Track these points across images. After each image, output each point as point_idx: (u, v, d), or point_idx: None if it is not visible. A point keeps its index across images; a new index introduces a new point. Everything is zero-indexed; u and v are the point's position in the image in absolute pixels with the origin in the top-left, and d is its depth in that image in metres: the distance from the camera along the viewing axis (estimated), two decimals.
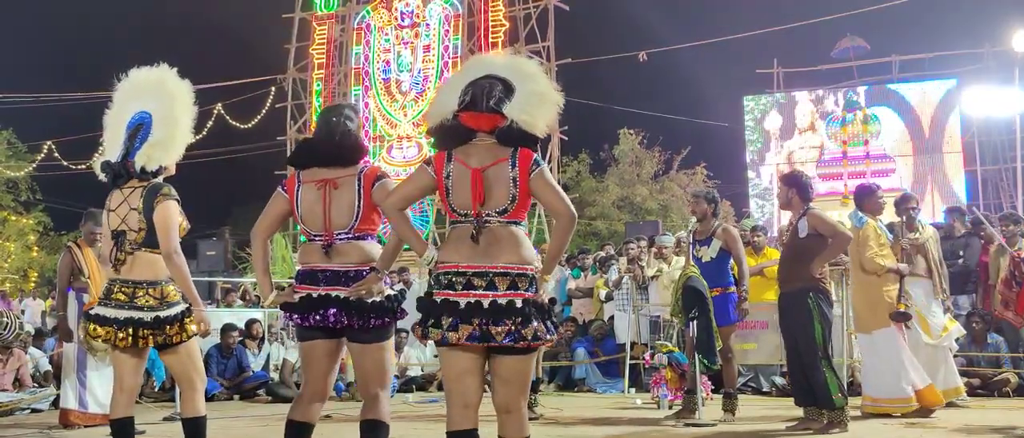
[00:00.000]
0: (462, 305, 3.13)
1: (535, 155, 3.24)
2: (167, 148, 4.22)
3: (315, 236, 3.66)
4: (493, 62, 3.45)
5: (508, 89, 3.27)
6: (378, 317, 3.57)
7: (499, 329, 3.08)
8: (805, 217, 6.06)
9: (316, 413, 3.72)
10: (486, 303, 3.11)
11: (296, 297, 3.64)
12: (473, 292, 3.13)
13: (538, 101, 3.29)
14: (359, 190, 3.61)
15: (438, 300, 3.19)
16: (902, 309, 6.54)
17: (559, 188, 3.27)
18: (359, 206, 3.61)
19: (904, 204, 7.39)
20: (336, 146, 3.70)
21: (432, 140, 3.41)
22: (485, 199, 3.17)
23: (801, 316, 5.97)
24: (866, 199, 6.78)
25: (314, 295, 3.58)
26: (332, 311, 3.53)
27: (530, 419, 3.38)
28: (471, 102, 3.25)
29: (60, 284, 6.81)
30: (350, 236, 3.63)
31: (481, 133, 3.25)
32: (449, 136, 3.29)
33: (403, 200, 3.42)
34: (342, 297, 3.54)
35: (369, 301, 3.56)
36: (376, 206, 3.63)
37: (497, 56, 3.60)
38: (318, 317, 3.55)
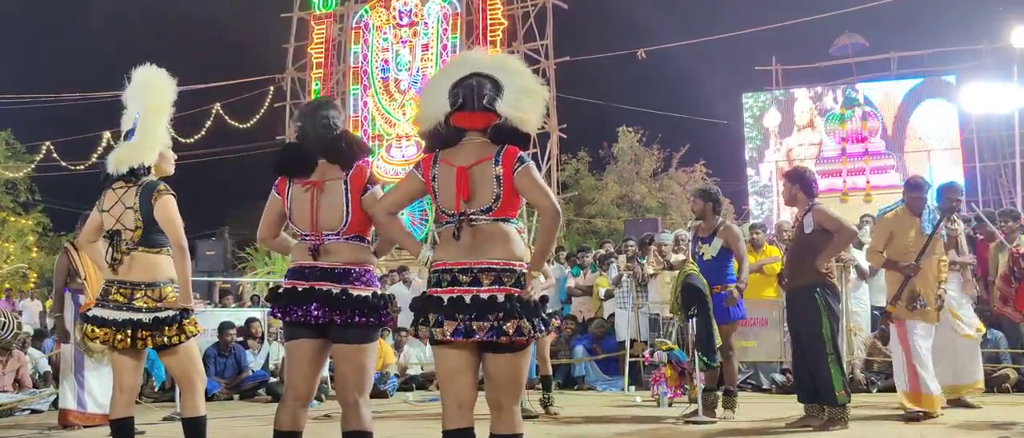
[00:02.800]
0: (445, 301, 3.14)
1: (520, 152, 3.24)
2: (139, 150, 4.19)
3: (304, 236, 3.63)
4: (477, 60, 3.41)
5: (497, 86, 3.27)
6: (362, 314, 3.50)
7: (482, 324, 3.07)
8: (810, 213, 6.05)
9: (303, 420, 3.64)
10: (467, 298, 3.11)
11: (281, 290, 3.62)
12: (457, 288, 3.14)
13: (528, 97, 3.29)
14: (346, 193, 3.56)
15: (426, 297, 3.22)
16: (889, 310, 6.40)
17: (544, 184, 3.25)
18: (347, 210, 3.56)
19: (946, 194, 6.77)
20: (332, 145, 3.62)
21: (424, 143, 3.40)
22: (470, 197, 3.17)
23: (808, 312, 5.96)
24: (907, 192, 6.62)
25: (299, 289, 3.53)
26: (314, 305, 3.48)
27: (531, 417, 3.38)
28: (463, 103, 3.25)
29: (57, 285, 6.80)
30: (340, 238, 3.58)
31: (472, 132, 3.25)
32: (439, 139, 3.29)
33: (393, 205, 3.45)
34: (325, 291, 3.49)
35: (355, 295, 3.51)
36: (367, 212, 3.58)
37: (479, 54, 3.53)
38: (300, 312, 3.50)
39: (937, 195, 6.87)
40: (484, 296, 3.10)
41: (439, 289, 3.18)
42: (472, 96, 3.24)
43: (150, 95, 4.24)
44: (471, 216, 3.18)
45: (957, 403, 6.86)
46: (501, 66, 3.35)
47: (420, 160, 3.37)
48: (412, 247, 3.40)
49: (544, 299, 3.27)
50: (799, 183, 6.18)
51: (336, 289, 3.51)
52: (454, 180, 3.19)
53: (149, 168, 4.23)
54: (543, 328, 3.17)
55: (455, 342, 3.14)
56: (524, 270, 3.20)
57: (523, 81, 3.32)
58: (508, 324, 3.07)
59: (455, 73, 3.35)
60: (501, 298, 3.10)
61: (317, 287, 3.51)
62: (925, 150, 20.53)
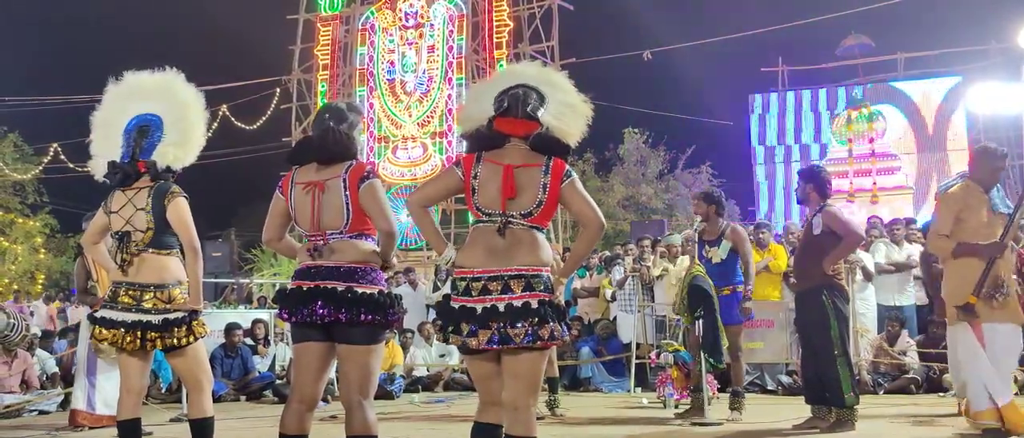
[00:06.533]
0: (479, 311, 3.19)
1: (568, 166, 3.32)
2: (187, 150, 4.28)
3: (309, 236, 3.66)
4: (524, 72, 3.53)
5: (541, 98, 3.38)
6: (368, 312, 3.50)
7: (516, 331, 3.14)
8: (820, 214, 6.03)
9: (309, 423, 3.65)
10: (502, 307, 3.17)
11: (288, 291, 3.64)
12: (489, 297, 3.20)
13: (570, 111, 3.42)
14: (345, 192, 3.58)
15: (456, 307, 3.26)
16: (971, 302, 5.11)
17: (590, 198, 3.34)
18: (348, 207, 3.57)
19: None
20: (319, 143, 3.67)
21: (466, 144, 3.49)
22: (515, 195, 3.24)
23: (815, 314, 5.94)
24: (977, 161, 5.44)
25: (304, 289, 3.55)
26: (319, 303, 3.49)
27: (538, 418, 3.40)
28: (507, 109, 3.35)
29: (79, 285, 6.83)
30: (344, 236, 3.60)
31: (515, 138, 3.33)
32: (483, 140, 3.37)
33: (427, 199, 3.53)
34: (330, 289, 3.50)
35: (361, 293, 3.52)
36: (365, 212, 3.59)
37: (528, 66, 3.64)
38: (306, 312, 3.51)
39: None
40: (518, 303, 3.17)
41: (470, 298, 3.23)
42: (517, 103, 3.35)
43: (185, 101, 4.30)
44: (510, 218, 3.23)
45: None
46: (546, 79, 3.47)
47: (462, 157, 3.44)
48: (439, 245, 3.45)
49: (568, 303, 3.34)
50: (813, 182, 6.15)
51: (341, 287, 3.51)
52: (500, 178, 3.26)
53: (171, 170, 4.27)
54: (567, 332, 3.27)
55: (487, 350, 3.20)
56: (551, 275, 3.28)
57: (566, 96, 3.44)
58: (543, 329, 3.15)
59: (502, 82, 3.47)
60: (535, 304, 3.17)
61: (322, 286, 3.52)
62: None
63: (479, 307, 3.19)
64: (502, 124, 3.34)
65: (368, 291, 3.54)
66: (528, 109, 3.34)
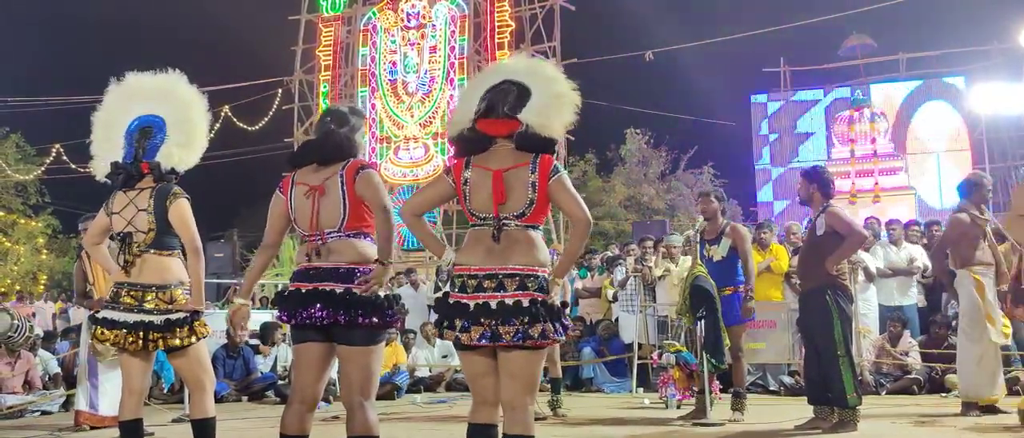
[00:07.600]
0: (471, 307, 3.20)
1: (555, 162, 3.31)
2: (191, 152, 4.29)
3: (308, 236, 3.66)
4: (511, 67, 3.51)
5: (524, 93, 3.34)
6: (366, 315, 3.49)
7: (508, 329, 3.14)
8: (823, 214, 6.03)
9: (310, 423, 3.65)
10: (494, 304, 3.17)
11: (286, 293, 3.64)
12: (482, 294, 3.20)
13: (555, 102, 3.36)
14: (342, 187, 3.59)
15: (451, 302, 3.27)
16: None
17: (577, 194, 3.33)
18: (345, 202, 3.57)
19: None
20: (319, 145, 3.71)
21: (453, 148, 3.49)
22: (505, 199, 3.23)
23: (819, 314, 5.94)
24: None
25: (303, 291, 3.55)
26: (318, 306, 3.48)
27: (539, 419, 3.40)
28: (488, 109, 3.34)
29: (78, 288, 6.84)
30: (342, 234, 3.59)
31: (499, 139, 3.32)
32: (469, 144, 3.36)
33: (421, 206, 3.53)
34: (328, 291, 3.49)
35: (359, 295, 3.50)
36: (363, 200, 3.58)
37: (516, 60, 3.63)
38: (305, 314, 3.50)
39: (961, 188, 6.73)
40: (509, 302, 3.17)
41: (464, 294, 3.24)
42: (497, 103, 3.33)
43: (188, 102, 4.31)
44: (503, 220, 3.24)
45: (987, 410, 6.48)
46: (534, 72, 3.44)
47: (451, 164, 3.43)
48: (437, 249, 3.46)
49: (564, 304, 3.32)
50: (817, 183, 6.14)
51: (340, 289, 3.51)
52: (490, 183, 3.25)
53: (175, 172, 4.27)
54: (563, 332, 3.25)
55: (480, 346, 3.20)
56: (547, 276, 3.26)
57: (554, 86, 3.40)
58: (533, 328, 3.14)
59: (488, 80, 3.46)
60: (526, 303, 3.16)
61: (321, 288, 3.52)
62: (927, 152, 20.49)
63: (472, 303, 3.20)
64: (484, 125, 3.33)
65: (367, 294, 3.53)
66: (506, 108, 3.31)
